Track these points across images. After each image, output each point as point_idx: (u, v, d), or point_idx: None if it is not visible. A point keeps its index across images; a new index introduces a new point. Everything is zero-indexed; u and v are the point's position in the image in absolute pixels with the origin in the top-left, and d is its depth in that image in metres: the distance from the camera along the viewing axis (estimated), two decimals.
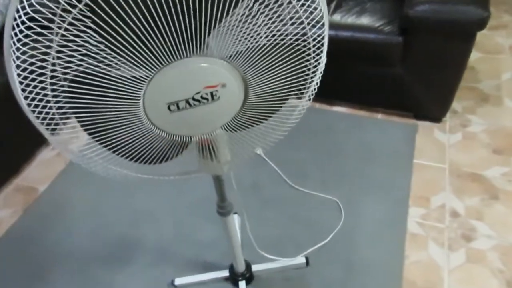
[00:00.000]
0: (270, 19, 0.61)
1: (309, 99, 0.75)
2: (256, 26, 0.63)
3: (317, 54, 0.65)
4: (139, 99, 0.56)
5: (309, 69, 0.67)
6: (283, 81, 0.65)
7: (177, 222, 1.54)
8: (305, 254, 1.39)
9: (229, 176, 1.05)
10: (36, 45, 0.50)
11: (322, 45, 0.65)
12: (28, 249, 1.51)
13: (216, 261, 1.42)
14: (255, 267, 1.35)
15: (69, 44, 0.50)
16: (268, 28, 0.61)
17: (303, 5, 0.57)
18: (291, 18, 0.61)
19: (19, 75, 0.50)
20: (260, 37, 0.60)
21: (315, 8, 0.59)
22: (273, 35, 0.61)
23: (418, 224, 1.45)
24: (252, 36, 0.62)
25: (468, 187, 1.55)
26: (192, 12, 0.50)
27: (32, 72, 0.51)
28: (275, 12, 0.62)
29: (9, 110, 1.69)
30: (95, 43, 0.47)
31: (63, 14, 0.45)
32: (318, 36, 0.63)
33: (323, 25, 0.62)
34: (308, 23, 0.60)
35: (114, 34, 0.48)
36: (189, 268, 1.40)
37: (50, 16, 0.46)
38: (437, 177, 1.60)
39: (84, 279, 1.40)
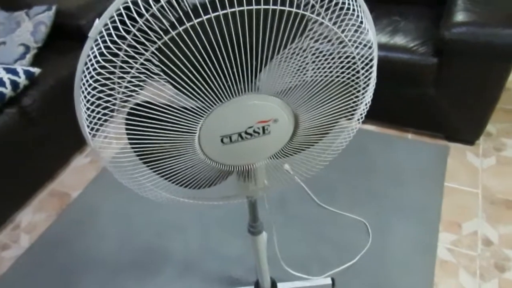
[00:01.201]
0: (320, 52, 0.62)
1: (357, 123, 0.75)
2: (304, 58, 0.65)
3: (366, 76, 0.65)
4: (195, 132, 0.58)
5: (358, 91, 0.67)
6: (332, 112, 0.66)
7: (204, 235, 1.56)
8: (331, 274, 1.39)
9: (261, 195, 1.07)
10: (102, 81, 0.53)
11: (371, 66, 0.65)
12: (59, 254, 1.56)
13: (241, 276, 1.43)
14: (280, 285, 1.35)
15: (133, 80, 0.52)
16: (320, 60, 0.62)
17: (350, 30, 0.58)
18: (340, 46, 0.61)
19: (87, 109, 0.53)
20: (313, 71, 0.61)
21: (362, 32, 0.60)
22: (322, 67, 0.62)
23: (449, 251, 1.42)
24: (301, 70, 0.63)
25: (502, 214, 1.51)
26: (254, 53, 0.52)
27: (98, 105, 0.53)
28: (326, 45, 0.63)
29: (48, 119, 1.76)
30: (163, 83, 0.49)
31: (130, 61, 0.48)
32: (369, 60, 0.63)
33: (372, 51, 0.63)
34: (358, 51, 0.61)
35: (181, 74, 0.50)
36: (215, 282, 1.42)
37: (119, 63, 0.48)
38: (469, 202, 1.56)
39: None
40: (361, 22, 0.57)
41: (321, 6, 0.54)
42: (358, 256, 1.43)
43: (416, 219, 1.52)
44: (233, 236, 1.54)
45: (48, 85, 1.73)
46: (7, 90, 1.56)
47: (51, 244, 1.60)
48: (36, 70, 1.67)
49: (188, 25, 0.46)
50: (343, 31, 0.56)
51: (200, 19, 0.46)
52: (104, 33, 0.49)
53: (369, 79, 0.64)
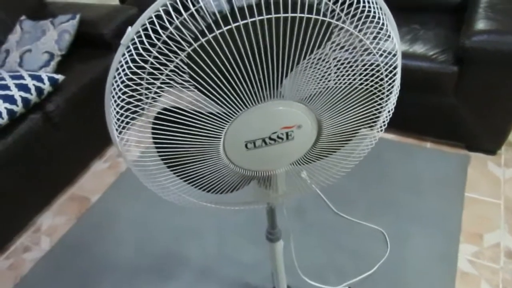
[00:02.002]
0: (345, 59, 0.63)
1: (379, 131, 0.74)
2: (329, 64, 0.65)
3: (390, 84, 0.65)
4: (221, 137, 0.59)
5: (382, 99, 0.67)
6: (355, 118, 0.66)
7: (221, 241, 1.57)
8: (348, 284, 1.37)
9: (281, 202, 1.07)
10: (132, 86, 0.54)
11: (395, 74, 0.65)
12: (78, 258, 1.58)
13: (258, 284, 1.42)
14: None
15: (163, 86, 0.54)
16: (344, 67, 0.62)
17: (375, 38, 0.58)
18: (365, 54, 0.62)
19: (116, 113, 0.54)
20: (338, 77, 0.62)
21: (387, 39, 0.60)
22: (346, 73, 0.63)
23: (470, 263, 1.39)
24: (325, 77, 0.64)
25: None
26: (279, 60, 0.52)
27: (127, 109, 0.55)
28: (350, 52, 0.63)
29: (70, 124, 1.80)
30: (191, 89, 0.50)
31: (161, 68, 0.49)
32: (393, 68, 0.64)
33: (395, 57, 0.63)
34: (382, 58, 0.61)
35: (209, 80, 0.51)
36: None
37: (149, 69, 0.49)
38: (491, 213, 1.53)
39: None
40: (386, 30, 0.57)
41: (346, 14, 0.55)
42: (376, 266, 1.41)
43: (435, 229, 1.49)
44: (250, 243, 1.54)
45: (71, 92, 1.77)
46: (32, 96, 1.61)
47: (70, 247, 1.63)
48: (60, 77, 1.72)
49: (217, 32, 0.47)
50: (368, 39, 0.56)
51: (229, 27, 0.47)
52: (136, 40, 0.51)
53: (392, 87, 0.64)
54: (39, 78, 1.65)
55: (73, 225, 1.71)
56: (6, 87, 1.56)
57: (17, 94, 1.56)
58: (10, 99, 1.54)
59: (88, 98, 1.83)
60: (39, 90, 1.64)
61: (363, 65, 0.61)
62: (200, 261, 1.51)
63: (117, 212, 1.74)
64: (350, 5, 0.54)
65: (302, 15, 0.49)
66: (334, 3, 0.53)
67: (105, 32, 1.96)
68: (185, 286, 1.43)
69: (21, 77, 1.62)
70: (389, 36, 0.59)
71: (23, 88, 1.59)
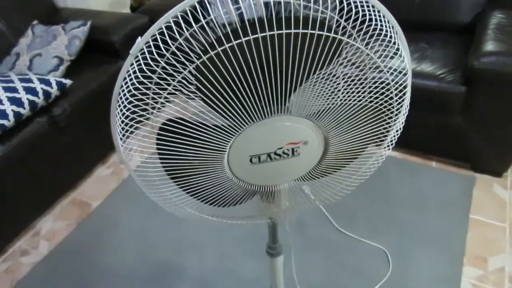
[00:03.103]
0: (355, 76, 0.62)
1: (386, 150, 0.73)
2: (337, 83, 0.65)
3: (399, 103, 0.64)
4: (225, 151, 0.58)
5: (390, 118, 0.66)
6: (363, 136, 0.66)
7: (221, 254, 1.55)
8: None
9: (283, 217, 1.05)
10: (137, 97, 0.54)
11: (404, 94, 0.64)
12: (76, 263, 1.57)
13: None
14: None
15: (169, 97, 0.54)
16: (355, 84, 0.62)
17: (386, 56, 0.58)
18: (375, 72, 0.61)
19: (121, 122, 0.54)
20: (346, 96, 0.61)
21: (399, 58, 0.60)
22: (355, 91, 0.62)
23: (474, 286, 1.36)
24: (333, 94, 0.63)
25: None
26: (288, 76, 0.52)
27: (132, 119, 0.55)
28: (359, 70, 0.63)
29: (75, 129, 1.81)
30: (198, 100, 0.50)
31: (168, 78, 0.49)
32: (403, 88, 0.63)
33: (406, 76, 0.62)
34: (392, 77, 0.60)
35: (216, 93, 0.50)
36: None
37: (156, 79, 0.49)
38: (496, 237, 1.50)
39: None
40: (397, 49, 0.56)
41: (358, 32, 0.54)
42: (377, 286, 1.38)
43: (439, 250, 1.47)
44: (250, 257, 1.52)
45: (78, 97, 1.78)
46: (40, 100, 1.62)
47: (69, 252, 1.62)
48: (68, 82, 1.73)
49: (227, 46, 0.47)
50: (378, 57, 0.56)
51: (239, 41, 0.47)
52: (145, 50, 0.50)
53: (401, 106, 0.63)
54: (47, 82, 1.66)
55: (73, 230, 1.70)
56: (14, 90, 1.57)
57: (24, 97, 1.57)
58: (17, 102, 1.55)
59: (95, 104, 1.84)
60: (46, 94, 1.64)
61: (373, 83, 0.60)
62: (198, 273, 1.49)
63: (118, 219, 1.73)
64: (362, 22, 0.54)
65: (313, 31, 0.48)
66: (346, 20, 0.53)
67: (115, 39, 1.98)
68: None
69: (30, 80, 1.63)
70: (400, 55, 0.59)
71: (31, 91, 1.60)
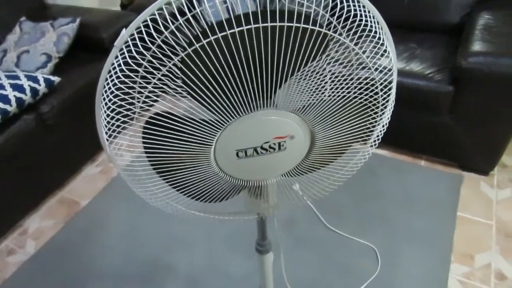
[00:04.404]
0: (340, 72, 0.63)
1: (373, 146, 0.74)
2: (324, 77, 0.65)
3: (384, 99, 0.65)
4: (212, 145, 0.58)
5: (376, 113, 0.67)
6: (349, 131, 0.66)
7: (210, 252, 1.54)
8: None
9: (271, 214, 1.05)
10: (123, 89, 0.54)
11: (390, 88, 0.65)
12: (64, 262, 1.55)
13: None
14: None
15: (156, 90, 0.53)
16: (339, 80, 0.62)
17: (372, 54, 0.58)
18: (360, 67, 0.62)
19: (107, 116, 0.53)
20: (331, 89, 0.62)
21: (385, 55, 0.60)
22: (341, 87, 0.63)
23: (460, 283, 1.37)
24: (320, 89, 0.64)
25: None
26: (274, 70, 0.52)
27: (118, 113, 0.54)
28: (345, 65, 0.63)
29: (63, 127, 1.79)
30: (184, 94, 0.50)
31: (154, 71, 0.49)
32: (388, 83, 0.64)
33: (391, 72, 0.63)
34: (377, 73, 0.61)
35: (201, 87, 0.50)
36: None
37: (142, 73, 0.49)
38: (482, 234, 1.52)
39: None
40: (383, 44, 0.57)
41: (343, 27, 0.55)
42: (365, 283, 1.39)
43: (426, 247, 1.48)
44: (239, 255, 1.52)
45: (66, 94, 1.77)
46: (27, 97, 1.60)
47: (57, 251, 1.60)
48: (56, 79, 1.71)
49: (212, 38, 0.47)
50: (364, 52, 0.56)
51: (224, 33, 0.47)
52: (130, 43, 0.50)
53: (387, 101, 0.64)
54: (35, 79, 1.64)
55: (61, 229, 1.68)
56: (1, 87, 1.55)
57: (11, 94, 1.55)
58: (4, 99, 1.53)
59: (83, 102, 1.82)
60: (34, 91, 1.62)
61: (358, 78, 0.61)
62: (188, 271, 1.48)
63: (106, 218, 1.71)
64: (348, 18, 0.55)
65: (298, 25, 0.49)
66: (332, 16, 0.53)
67: (105, 36, 1.96)
68: None
69: (17, 77, 1.61)
70: (385, 51, 0.59)
71: (18, 88, 1.58)
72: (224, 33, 0.47)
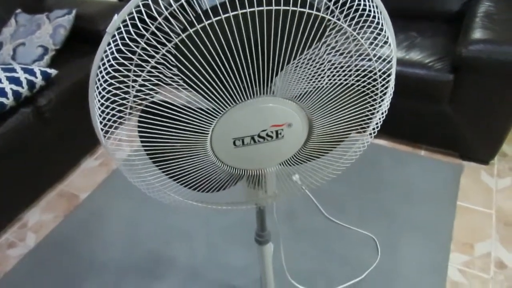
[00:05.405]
0: (336, 59, 0.62)
1: (371, 135, 0.73)
2: (322, 65, 0.64)
3: (383, 86, 0.64)
4: (208, 133, 0.57)
5: (375, 100, 0.66)
6: (347, 119, 0.65)
7: (210, 244, 1.54)
8: None
9: (270, 205, 1.05)
10: (118, 78, 0.53)
11: (389, 75, 0.64)
12: (64, 255, 1.55)
13: (246, 287, 1.40)
14: None
15: (151, 78, 0.52)
16: (335, 68, 0.61)
17: (370, 40, 0.57)
18: (358, 54, 0.61)
19: (101, 104, 0.53)
20: (328, 77, 0.61)
21: (385, 42, 0.59)
22: (340, 75, 0.62)
23: (460, 272, 1.38)
24: (317, 77, 0.63)
25: None
26: (271, 55, 0.51)
27: (113, 102, 0.53)
28: (342, 51, 0.62)
29: (62, 119, 1.78)
30: (180, 82, 0.49)
31: (148, 59, 0.48)
32: (387, 70, 0.63)
33: (391, 60, 0.62)
34: (376, 58, 0.60)
35: (197, 74, 0.49)
36: None
37: (136, 60, 0.48)
38: (482, 223, 1.52)
39: None
40: (382, 30, 0.56)
41: (341, 12, 0.54)
42: (365, 273, 1.39)
43: (426, 237, 1.48)
44: (239, 247, 1.52)
45: (63, 87, 1.75)
46: (24, 90, 1.59)
47: (56, 244, 1.60)
48: (53, 71, 1.69)
49: (206, 23, 0.46)
50: (363, 38, 0.55)
51: (218, 18, 0.46)
52: (123, 29, 0.49)
53: (386, 88, 0.63)
54: (31, 72, 1.62)
55: (61, 222, 1.68)
56: None
57: (8, 87, 1.54)
58: (0, 92, 1.52)
59: (81, 94, 1.81)
60: (31, 84, 1.61)
61: (356, 65, 0.60)
62: (188, 263, 1.48)
63: (106, 211, 1.71)
64: (345, 3, 0.53)
65: (295, 8, 0.47)
66: (330, 1, 0.52)
67: (102, 28, 1.94)
68: None
69: (13, 70, 1.60)
70: (385, 37, 0.58)
71: (15, 81, 1.57)
72: (219, 18, 0.46)
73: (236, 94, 0.53)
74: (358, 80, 0.60)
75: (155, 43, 0.48)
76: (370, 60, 0.59)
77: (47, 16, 1.90)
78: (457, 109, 1.65)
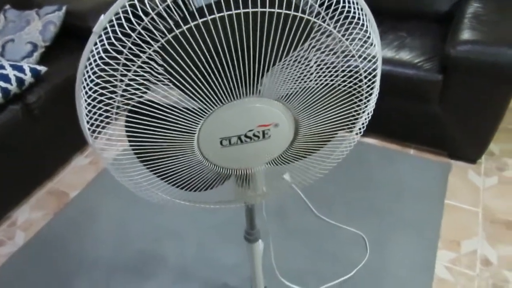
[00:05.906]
0: (322, 60, 0.63)
1: (358, 134, 0.74)
2: (308, 66, 0.65)
3: (369, 86, 0.65)
4: (195, 133, 0.58)
5: (360, 100, 0.67)
6: (333, 119, 0.66)
7: (200, 242, 1.55)
8: (326, 287, 1.37)
9: (259, 203, 1.06)
10: (104, 78, 0.53)
11: (374, 76, 0.65)
12: (54, 254, 1.54)
13: (236, 285, 1.41)
14: None
15: (137, 78, 0.53)
16: (321, 69, 0.62)
17: (356, 41, 0.58)
18: (344, 55, 0.62)
19: (88, 104, 0.53)
20: (315, 78, 0.61)
21: (370, 44, 0.60)
22: (326, 75, 0.62)
23: (447, 269, 1.40)
24: (303, 78, 0.63)
25: (502, 234, 1.49)
26: (257, 56, 0.52)
27: (100, 102, 0.53)
28: (328, 53, 0.63)
29: (51, 117, 1.77)
30: (166, 82, 0.49)
31: (134, 59, 0.48)
32: (372, 71, 0.64)
33: (376, 61, 0.63)
34: (361, 60, 0.61)
35: (183, 74, 0.50)
36: None
37: (123, 60, 0.48)
38: (469, 221, 1.55)
39: None
40: (366, 31, 0.57)
41: (327, 14, 0.54)
42: (354, 270, 1.41)
43: (415, 235, 1.50)
44: (229, 245, 1.53)
45: (53, 84, 1.74)
46: (12, 87, 1.57)
47: (46, 243, 1.59)
48: (42, 68, 1.68)
49: (192, 24, 0.46)
50: (348, 39, 0.56)
51: (204, 19, 0.46)
52: (109, 29, 0.49)
53: (372, 89, 0.64)
54: (20, 69, 1.61)
55: (50, 220, 1.67)
56: None
57: None
58: None
59: (71, 91, 1.78)
60: (20, 81, 1.60)
61: (342, 66, 0.61)
62: (178, 262, 1.49)
63: (96, 209, 1.71)
64: (330, 6, 0.54)
65: (280, 10, 0.48)
66: (315, 2, 0.53)
67: (93, 25, 1.92)
68: (163, 287, 1.41)
69: (2, 67, 1.58)
70: (370, 39, 0.59)
71: (3, 78, 1.55)
72: (205, 19, 0.47)
73: (223, 95, 0.54)
74: (344, 81, 0.61)
75: (141, 43, 0.49)
76: (355, 61, 0.60)
77: (37, 12, 1.88)
78: (446, 108, 1.67)
